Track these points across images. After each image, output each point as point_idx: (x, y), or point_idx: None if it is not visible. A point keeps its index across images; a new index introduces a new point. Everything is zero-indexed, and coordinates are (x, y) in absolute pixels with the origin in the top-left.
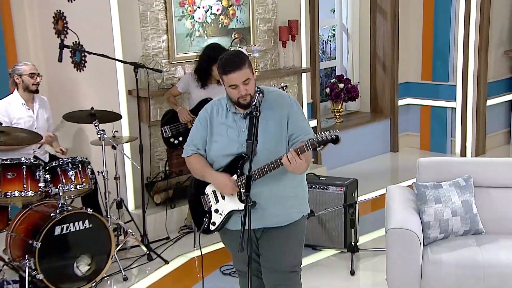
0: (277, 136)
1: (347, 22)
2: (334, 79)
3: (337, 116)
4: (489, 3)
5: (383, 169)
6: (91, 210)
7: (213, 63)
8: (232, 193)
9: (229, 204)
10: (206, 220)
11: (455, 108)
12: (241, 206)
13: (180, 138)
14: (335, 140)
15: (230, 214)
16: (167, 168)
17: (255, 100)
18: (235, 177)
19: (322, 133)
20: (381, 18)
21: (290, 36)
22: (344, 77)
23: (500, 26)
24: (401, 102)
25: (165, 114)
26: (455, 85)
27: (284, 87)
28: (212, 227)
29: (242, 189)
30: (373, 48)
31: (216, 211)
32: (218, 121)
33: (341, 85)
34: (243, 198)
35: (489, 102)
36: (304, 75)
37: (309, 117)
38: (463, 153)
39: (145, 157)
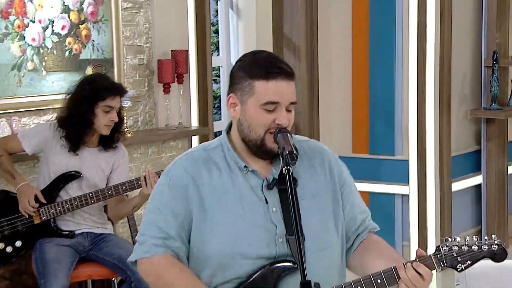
0: (332, 224)
1: None
2: None
3: None
4: (450, 44)
5: None
6: None
7: (98, 101)
8: None
9: None
10: None
11: (407, 195)
12: None
13: (18, 243)
14: (501, 255)
15: None
16: None
17: (284, 145)
18: None
19: (467, 239)
20: (291, 57)
21: (176, 75)
22: None
23: (462, 74)
24: None
25: None
26: (407, 160)
27: None
28: None
29: None
30: None
31: None
32: (217, 188)
33: None
34: None
35: (453, 186)
36: (195, 139)
37: None
38: None
39: None
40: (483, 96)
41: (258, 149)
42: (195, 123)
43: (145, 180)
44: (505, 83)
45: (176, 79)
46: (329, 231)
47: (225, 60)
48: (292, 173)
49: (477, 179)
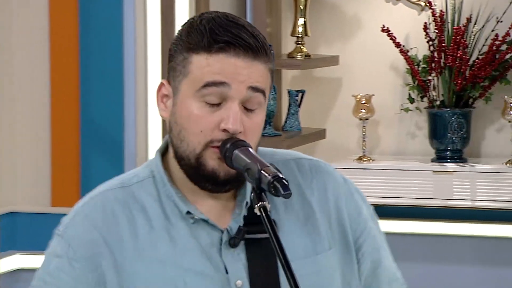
0: None
1: None
2: None
3: None
4: None
5: None
6: None
7: None
8: None
9: None
10: None
11: None
12: None
13: None
14: None
15: None
16: None
17: (258, 166)
18: None
19: None
20: None
21: None
22: None
23: None
24: (6, 263)
25: None
26: None
27: None
28: None
29: None
30: None
31: None
32: (145, 257)
33: None
34: None
35: None
36: None
37: None
38: None
39: None
40: None
41: (195, 174)
42: None
43: None
44: (278, 96)
45: None
46: None
47: None
48: (270, 214)
49: None
